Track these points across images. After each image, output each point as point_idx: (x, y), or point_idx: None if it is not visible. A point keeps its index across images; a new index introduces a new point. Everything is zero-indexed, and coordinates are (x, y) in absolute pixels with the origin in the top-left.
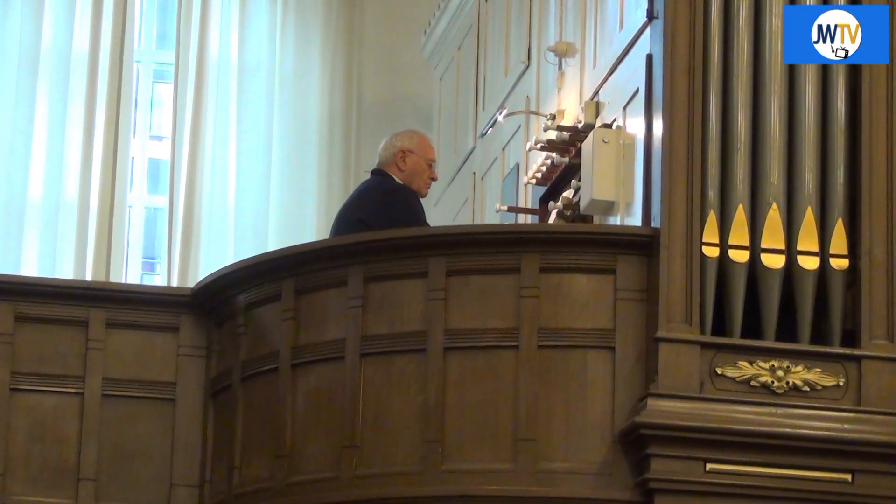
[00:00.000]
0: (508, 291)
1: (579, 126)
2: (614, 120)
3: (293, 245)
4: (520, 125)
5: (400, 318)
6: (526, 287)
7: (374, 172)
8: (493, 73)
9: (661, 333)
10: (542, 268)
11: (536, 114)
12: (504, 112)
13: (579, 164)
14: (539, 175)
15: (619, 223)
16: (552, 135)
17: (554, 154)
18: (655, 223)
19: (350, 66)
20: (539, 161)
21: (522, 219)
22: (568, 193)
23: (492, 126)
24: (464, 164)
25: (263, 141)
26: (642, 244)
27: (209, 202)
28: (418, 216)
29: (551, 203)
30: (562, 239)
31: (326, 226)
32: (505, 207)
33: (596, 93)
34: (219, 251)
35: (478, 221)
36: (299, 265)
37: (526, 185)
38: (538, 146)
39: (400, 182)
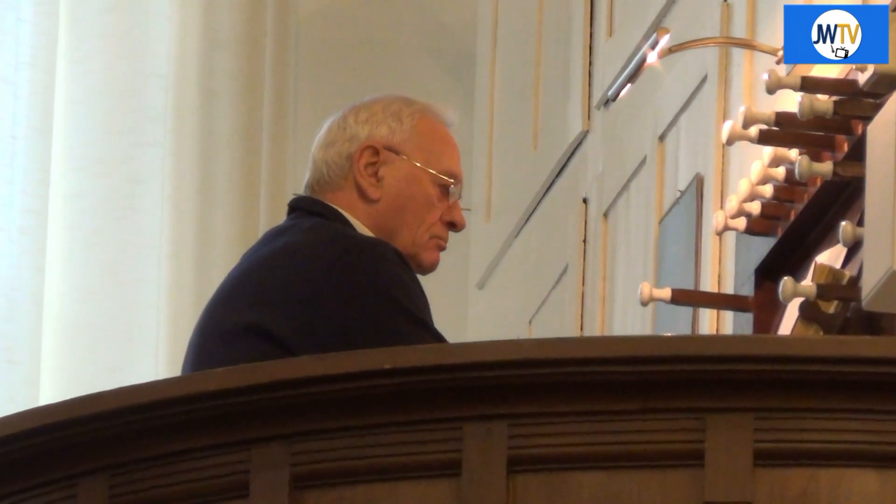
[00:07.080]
0: None
1: (862, 83)
2: None
3: (108, 390)
4: (705, 75)
5: None
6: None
7: (295, 206)
8: None
9: None
10: (758, 452)
11: (749, 46)
12: (661, 42)
13: (860, 185)
14: (756, 209)
15: None
16: (790, 102)
17: (794, 154)
18: None
19: None
20: (757, 171)
21: (709, 322)
22: (828, 257)
23: (631, 81)
24: (559, 174)
25: (37, 117)
26: None
27: None
28: (417, 319)
29: (786, 281)
30: (814, 376)
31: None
32: (667, 291)
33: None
34: None
35: (592, 325)
36: (122, 441)
37: (721, 232)
38: (754, 132)
39: (365, 234)
